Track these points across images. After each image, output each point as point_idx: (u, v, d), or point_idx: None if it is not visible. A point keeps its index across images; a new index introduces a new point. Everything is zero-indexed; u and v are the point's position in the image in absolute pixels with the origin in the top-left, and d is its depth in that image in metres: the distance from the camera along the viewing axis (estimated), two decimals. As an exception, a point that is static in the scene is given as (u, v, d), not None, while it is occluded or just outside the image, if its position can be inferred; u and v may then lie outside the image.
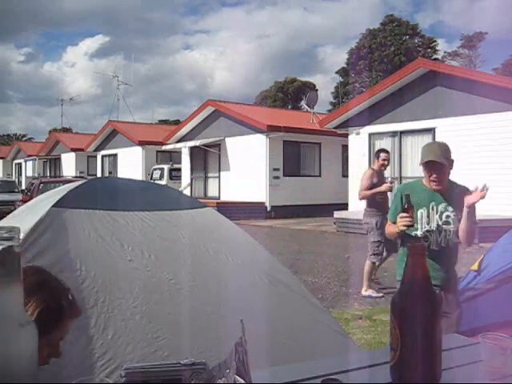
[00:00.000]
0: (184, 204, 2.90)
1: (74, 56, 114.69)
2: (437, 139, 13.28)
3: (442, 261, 2.92)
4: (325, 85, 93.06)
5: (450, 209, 2.97)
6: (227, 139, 19.51)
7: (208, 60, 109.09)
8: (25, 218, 2.52)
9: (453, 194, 2.98)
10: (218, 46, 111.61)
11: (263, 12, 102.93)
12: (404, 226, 2.81)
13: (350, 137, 15.83)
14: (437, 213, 2.98)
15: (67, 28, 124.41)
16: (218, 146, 19.82)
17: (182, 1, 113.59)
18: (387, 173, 14.54)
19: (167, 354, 2.01)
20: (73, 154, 30.24)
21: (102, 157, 28.01)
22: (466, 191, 2.96)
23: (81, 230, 2.30)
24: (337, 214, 14.43)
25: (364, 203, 6.62)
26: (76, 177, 22.38)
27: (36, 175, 30.01)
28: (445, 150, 3.02)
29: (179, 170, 22.00)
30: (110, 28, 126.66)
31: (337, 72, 50.58)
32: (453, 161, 2.98)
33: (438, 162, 2.92)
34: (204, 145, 19.92)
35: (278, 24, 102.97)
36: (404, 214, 2.80)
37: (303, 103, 25.64)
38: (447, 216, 2.97)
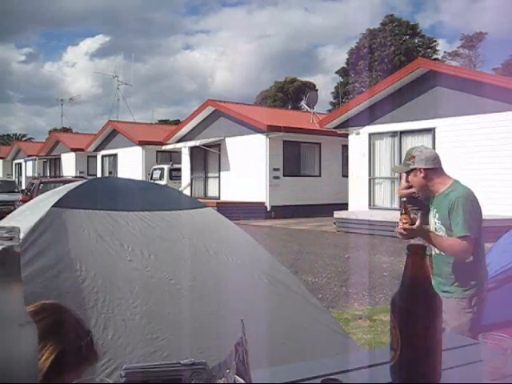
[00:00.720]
0: (184, 204, 2.90)
1: (74, 56, 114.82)
2: (437, 139, 13.30)
3: (438, 267, 2.88)
4: (325, 85, 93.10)
5: (437, 215, 2.87)
6: (227, 139, 19.51)
7: (208, 60, 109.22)
8: (25, 218, 2.52)
9: (441, 200, 2.86)
10: (218, 46, 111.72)
11: (264, 12, 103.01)
12: (399, 233, 2.74)
13: (349, 137, 15.83)
14: (433, 218, 2.93)
15: (68, 28, 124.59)
16: (218, 145, 19.82)
17: (183, 1, 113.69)
18: (388, 172, 14.57)
19: (167, 354, 2.01)
20: (73, 154, 30.24)
21: (102, 157, 28.01)
22: (452, 199, 2.80)
23: (81, 230, 2.30)
24: (337, 214, 14.43)
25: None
26: (76, 177, 22.38)
27: (36, 175, 30.01)
28: (405, 157, 2.99)
29: (179, 170, 22.01)
30: (110, 28, 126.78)
31: (337, 72, 50.62)
32: (418, 168, 2.90)
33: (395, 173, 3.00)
34: (204, 145, 19.92)
35: (278, 24, 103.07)
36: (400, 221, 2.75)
37: (303, 103, 25.65)
38: (435, 222, 2.89)
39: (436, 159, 2.94)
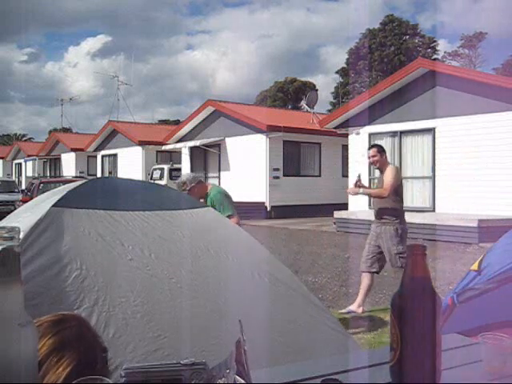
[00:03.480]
0: (184, 204, 2.90)
1: (75, 56, 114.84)
2: (437, 139, 13.30)
3: None
4: (325, 85, 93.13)
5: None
6: (227, 139, 19.50)
7: (210, 60, 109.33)
8: (25, 217, 2.52)
9: (208, 199, 4.68)
10: (220, 47, 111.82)
11: (265, 13, 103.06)
12: None
13: (349, 137, 15.83)
14: None
15: (69, 28, 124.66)
16: (218, 146, 19.82)
17: (185, 1, 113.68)
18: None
19: (168, 353, 2.01)
20: (73, 154, 30.23)
21: (102, 157, 28.01)
22: (212, 197, 4.70)
23: (81, 229, 2.30)
24: (337, 214, 14.43)
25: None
26: (76, 177, 22.37)
27: (36, 175, 30.00)
28: (179, 187, 4.73)
29: (179, 169, 22.00)
30: (112, 28, 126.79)
31: (337, 72, 50.64)
32: (190, 187, 4.68)
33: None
34: (204, 145, 19.92)
35: (280, 24, 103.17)
36: None
37: (303, 103, 25.63)
38: None
39: (196, 178, 4.83)
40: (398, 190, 5.48)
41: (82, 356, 1.17)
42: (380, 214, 5.52)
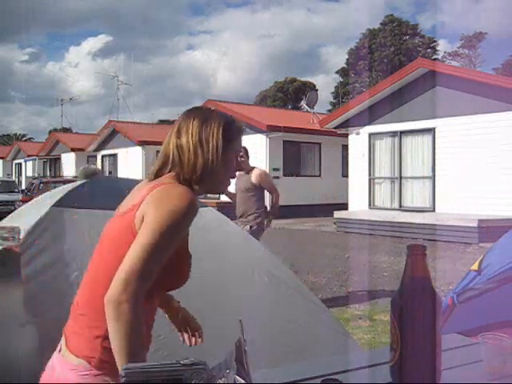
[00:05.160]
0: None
1: (76, 56, 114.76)
2: (437, 139, 13.30)
3: None
4: (325, 85, 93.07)
5: None
6: (227, 139, 19.50)
7: (211, 60, 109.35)
8: (25, 217, 2.52)
9: None
10: (221, 47, 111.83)
11: (266, 13, 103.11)
12: None
13: (349, 137, 15.83)
14: None
15: (71, 28, 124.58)
16: (218, 145, 19.81)
17: (187, 1, 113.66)
18: (388, 172, 14.57)
19: (168, 352, 2.01)
20: (73, 154, 30.23)
21: (102, 157, 28.01)
22: None
23: (81, 229, 2.30)
24: (337, 214, 14.44)
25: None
26: (76, 177, 22.36)
27: (36, 175, 30.01)
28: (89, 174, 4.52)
29: (179, 169, 21.97)
30: (113, 28, 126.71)
31: (337, 72, 50.64)
32: None
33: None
34: (204, 145, 19.91)
35: (280, 24, 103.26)
36: None
37: (303, 103, 25.64)
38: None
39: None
40: (261, 191, 5.84)
41: (222, 118, 1.53)
42: (240, 213, 5.85)
